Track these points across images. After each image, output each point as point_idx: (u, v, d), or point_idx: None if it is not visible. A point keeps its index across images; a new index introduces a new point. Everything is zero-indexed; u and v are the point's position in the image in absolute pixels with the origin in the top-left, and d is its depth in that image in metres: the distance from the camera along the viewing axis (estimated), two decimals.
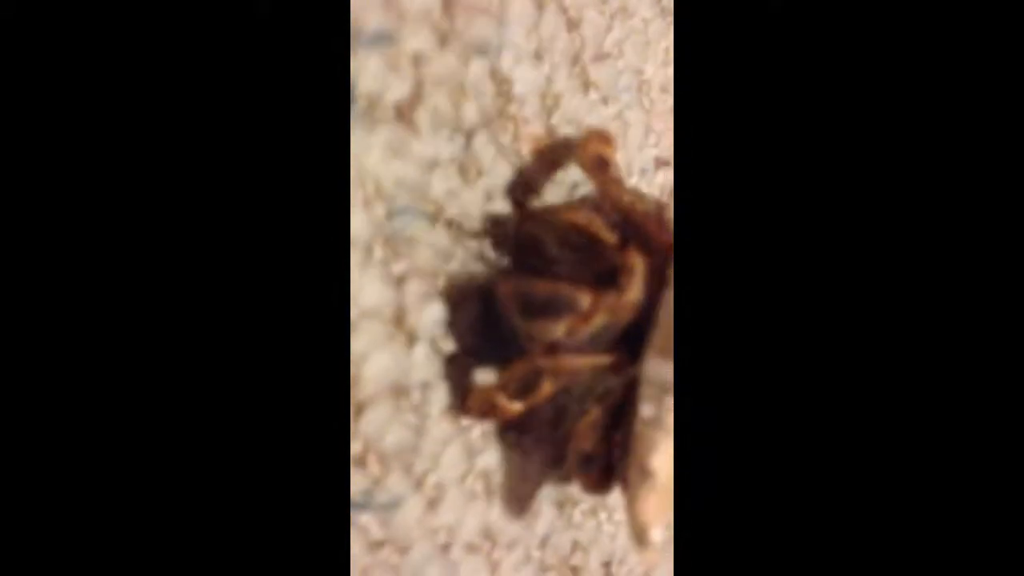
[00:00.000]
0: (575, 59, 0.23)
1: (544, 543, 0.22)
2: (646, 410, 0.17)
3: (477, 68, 0.21)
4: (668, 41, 0.27)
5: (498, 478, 0.21)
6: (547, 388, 0.17)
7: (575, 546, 0.23)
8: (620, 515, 0.23)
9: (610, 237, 0.18)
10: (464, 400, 0.19)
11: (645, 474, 0.17)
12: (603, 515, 0.24)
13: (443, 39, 0.20)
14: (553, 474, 0.21)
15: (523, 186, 0.21)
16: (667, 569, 0.24)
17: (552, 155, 0.22)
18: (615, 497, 0.22)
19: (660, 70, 0.26)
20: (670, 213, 0.18)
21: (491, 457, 0.21)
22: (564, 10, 0.23)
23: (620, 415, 0.18)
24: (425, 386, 0.19)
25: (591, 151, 0.19)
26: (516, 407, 0.18)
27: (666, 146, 0.27)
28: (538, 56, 0.22)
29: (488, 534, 0.21)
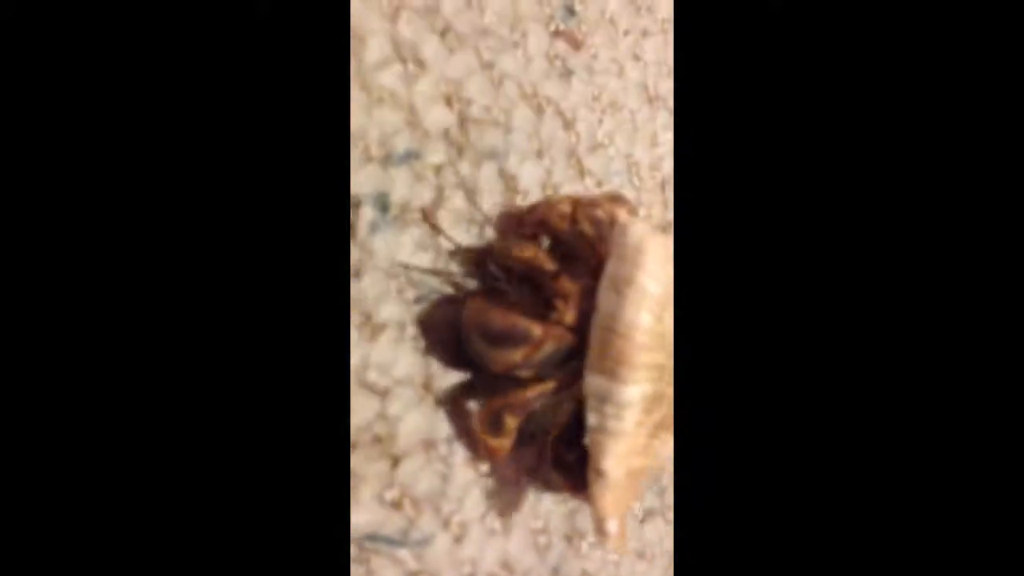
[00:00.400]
0: (571, 152, 0.27)
1: (556, 572, 0.26)
2: (592, 420, 0.20)
3: (488, 170, 0.25)
4: (655, 126, 0.30)
5: (513, 517, 0.24)
6: (511, 422, 0.20)
7: (583, 574, 0.26)
8: None
9: (549, 266, 0.20)
10: (476, 450, 0.23)
11: (598, 474, 0.20)
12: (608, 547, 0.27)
13: (460, 151, 0.24)
14: (534, 482, 0.23)
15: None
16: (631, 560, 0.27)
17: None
18: None
19: (648, 151, 0.30)
20: (605, 242, 0.20)
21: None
22: (560, 113, 0.27)
23: (576, 428, 0.20)
24: (450, 440, 0.23)
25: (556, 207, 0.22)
26: (505, 444, 0.21)
27: (658, 215, 0.31)
28: (539, 154, 0.26)
29: (506, 564, 0.24)
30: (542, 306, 0.21)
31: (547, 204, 0.22)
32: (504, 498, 0.23)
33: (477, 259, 0.23)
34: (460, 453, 0.23)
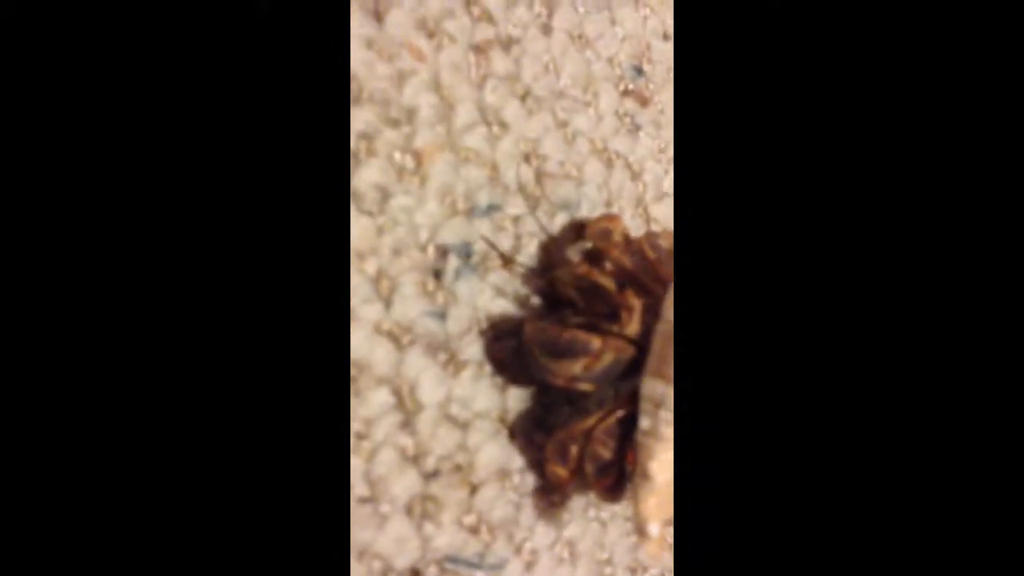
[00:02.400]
0: (639, 202, 0.29)
1: None
2: (644, 423, 0.21)
3: (560, 219, 0.27)
4: None
5: (581, 547, 0.26)
6: (574, 451, 0.22)
7: None
8: None
9: (610, 284, 0.22)
10: (548, 485, 0.24)
11: (645, 478, 0.21)
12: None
13: (535, 204, 0.26)
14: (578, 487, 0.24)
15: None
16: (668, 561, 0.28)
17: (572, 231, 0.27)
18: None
19: None
20: (667, 264, 0.22)
21: (575, 529, 0.26)
22: (628, 165, 0.29)
23: (628, 432, 0.21)
24: (522, 471, 0.25)
25: (599, 225, 0.24)
26: (566, 473, 0.22)
27: None
28: (608, 204, 0.28)
29: None
30: (604, 321, 0.22)
31: (593, 225, 0.24)
32: (546, 506, 0.25)
33: (544, 277, 0.25)
34: (531, 482, 0.25)
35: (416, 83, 0.24)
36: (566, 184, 0.27)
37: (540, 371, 0.22)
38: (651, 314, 0.21)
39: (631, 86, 0.29)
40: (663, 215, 0.30)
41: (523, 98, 0.26)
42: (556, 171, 0.26)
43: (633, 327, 0.21)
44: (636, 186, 0.29)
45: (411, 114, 0.23)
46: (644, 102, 0.29)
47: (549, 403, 0.25)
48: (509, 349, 0.24)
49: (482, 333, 0.24)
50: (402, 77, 0.23)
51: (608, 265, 0.23)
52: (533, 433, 0.24)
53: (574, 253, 0.26)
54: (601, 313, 0.23)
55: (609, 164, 0.28)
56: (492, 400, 0.24)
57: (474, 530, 0.23)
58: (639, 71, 0.29)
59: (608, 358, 0.21)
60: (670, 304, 0.21)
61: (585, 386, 0.22)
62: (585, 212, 0.27)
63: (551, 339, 0.22)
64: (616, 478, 0.22)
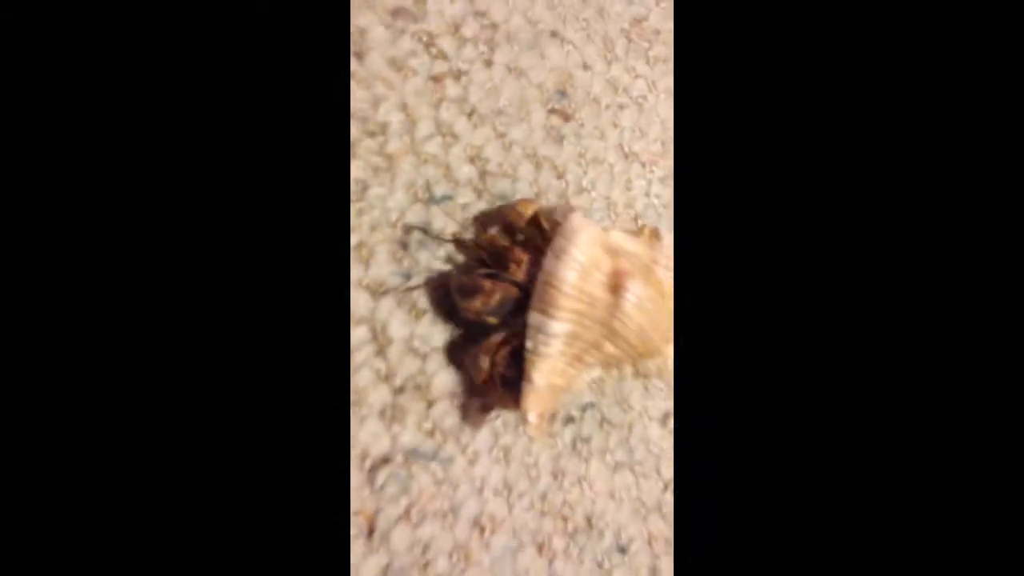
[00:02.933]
0: (562, 195, 0.37)
1: (543, 497, 0.35)
2: (528, 344, 0.27)
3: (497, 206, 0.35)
4: (628, 175, 0.40)
5: (513, 452, 0.34)
6: (485, 362, 0.29)
7: (564, 502, 0.36)
8: None
9: (506, 244, 0.29)
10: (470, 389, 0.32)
11: (528, 381, 0.27)
12: None
13: (479, 194, 0.34)
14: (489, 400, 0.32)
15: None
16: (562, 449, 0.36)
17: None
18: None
19: (623, 194, 0.40)
20: (555, 231, 0.28)
21: (508, 439, 0.34)
22: (554, 167, 0.37)
23: (518, 354, 0.28)
24: (466, 392, 0.33)
25: (514, 207, 0.31)
26: (481, 378, 0.29)
27: None
28: (537, 196, 0.36)
29: (506, 484, 0.34)
30: (501, 271, 0.29)
31: (511, 207, 0.31)
32: (474, 408, 0.33)
33: (465, 244, 0.32)
34: (475, 402, 0.33)
35: (388, 105, 0.32)
36: (503, 180, 0.35)
37: (458, 309, 0.31)
38: (535, 266, 0.29)
39: (556, 106, 0.38)
40: (583, 205, 0.38)
41: (470, 115, 0.35)
42: (495, 171, 0.35)
43: (520, 275, 0.29)
44: (560, 183, 0.37)
45: (384, 127, 0.32)
46: (567, 118, 0.38)
47: (469, 334, 0.33)
48: (442, 294, 0.32)
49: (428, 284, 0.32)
50: (377, 100, 0.32)
51: (518, 236, 0.31)
52: (459, 355, 0.33)
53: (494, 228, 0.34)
54: (500, 266, 0.30)
55: (538, 166, 0.37)
56: (444, 337, 0.32)
57: (430, 433, 0.32)
58: (563, 94, 0.38)
59: (498, 296, 0.29)
60: (549, 256, 0.28)
61: (490, 319, 0.30)
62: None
63: (461, 284, 0.29)
64: (514, 394, 0.30)
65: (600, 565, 0.36)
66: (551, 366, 0.28)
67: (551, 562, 0.35)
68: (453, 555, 0.31)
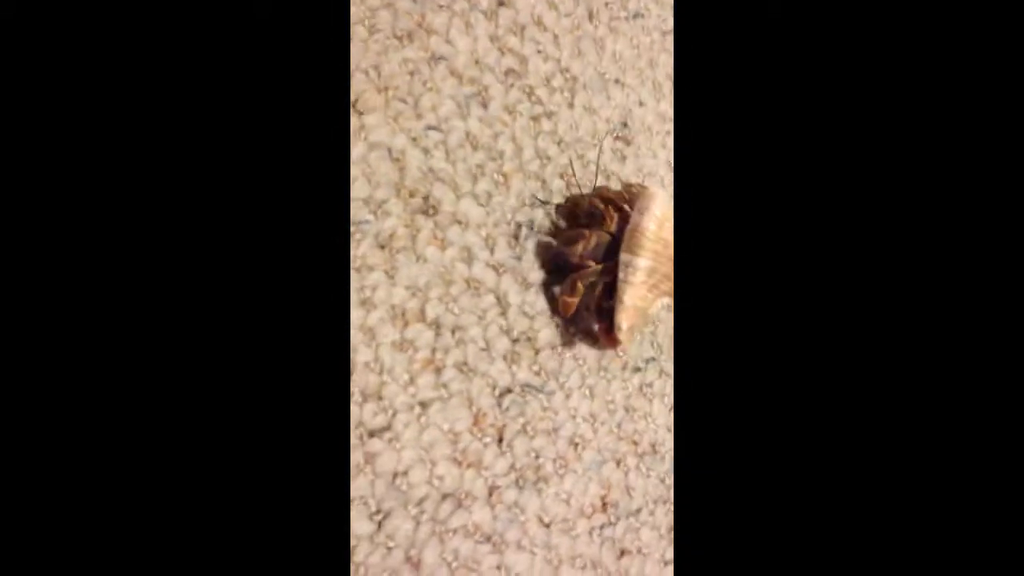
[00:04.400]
0: None
1: (620, 425, 0.46)
2: (620, 275, 0.39)
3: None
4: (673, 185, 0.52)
5: (596, 390, 0.45)
6: (580, 286, 0.41)
7: (635, 431, 0.47)
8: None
9: (600, 205, 0.41)
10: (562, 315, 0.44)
11: (620, 302, 0.39)
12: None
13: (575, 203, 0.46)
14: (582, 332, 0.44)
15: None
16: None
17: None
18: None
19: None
20: (634, 198, 0.40)
21: (592, 380, 0.45)
22: (619, 179, 0.49)
23: (608, 290, 0.40)
24: (564, 344, 0.45)
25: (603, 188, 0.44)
26: (576, 300, 0.42)
27: None
28: None
29: (592, 415, 0.45)
30: (596, 225, 0.41)
31: (603, 187, 0.44)
32: (571, 333, 0.45)
33: (568, 207, 0.45)
34: (568, 353, 0.45)
35: (503, 137, 0.45)
36: (584, 190, 0.47)
37: (563, 256, 0.42)
38: (624, 220, 0.41)
39: (619, 134, 0.50)
40: None
41: (559, 143, 0.47)
42: (577, 182, 0.47)
43: (612, 227, 0.41)
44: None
45: (501, 153, 0.44)
46: (628, 142, 0.50)
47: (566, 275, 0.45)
48: (550, 254, 0.44)
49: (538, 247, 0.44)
50: (496, 134, 0.44)
51: (604, 202, 0.43)
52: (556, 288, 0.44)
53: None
54: (596, 223, 0.43)
55: (608, 179, 0.49)
56: (545, 305, 0.44)
57: (537, 373, 0.44)
58: (624, 124, 0.50)
59: (594, 240, 0.41)
60: (635, 213, 0.41)
61: (588, 261, 0.42)
62: None
63: (567, 236, 0.42)
64: (609, 324, 0.42)
65: (663, 481, 0.47)
66: (636, 291, 0.40)
67: (626, 474, 0.46)
68: (556, 462, 0.43)
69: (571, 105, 0.48)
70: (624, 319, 0.40)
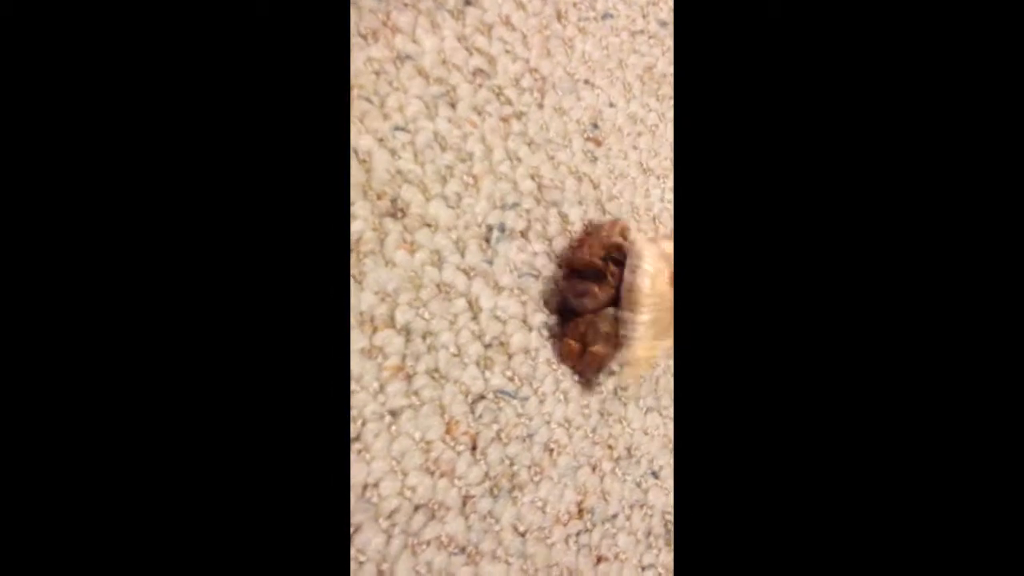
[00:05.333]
0: (598, 202, 0.49)
1: (594, 430, 0.46)
2: (623, 332, 0.40)
3: (553, 212, 0.46)
4: (647, 186, 0.52)
5: (571, 394, 0.45)
6: (583, 328, 0.42)
7: (610, 436, 0.46)
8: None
9: (599, 263, 0.42)
10: (561, 353, 0.44)
11: (630, 353, 0.40)
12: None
13: (537, 201, 0.46)
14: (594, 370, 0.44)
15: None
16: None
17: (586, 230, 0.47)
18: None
19: (643, 200, 0.52)
20: (628, 250, 0.42)
21: (566, 385, 0.45)
22: (591, 181, 0.49)
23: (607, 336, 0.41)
24: (536, 349, 0.44)
25: (606, 234, 0.44)
26: (577, 346, 0.42)
27: (651, 233, 0.52)
28: (580, 203, 0.48)
29: (567, 420, 0.44)
30: (600, 280, 0.42)
31: (598, 233, 0.45)
32: (582, 381, 0.44)
33: (572, 262, 0.45)
34: (542, 357, 0.44)
35: (472, 139, 0.44)
36: (555, 191, 0.47)
37: (571, 305, 0.43)
38: (621, 277, 0.41)
39: (590, 135, 0.49)
40: (614, 210, 0.50)
41: (529, 144, 0.46)
42: (548, 184, 0.46)
43: (613, 282, 0.42)
44: (596, 192, 0.49)
45: (470, 155, 0.44)
46: (598, 144, 0.50)
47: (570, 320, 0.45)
48: (556, 301, 0.44)
49: (516, 272, 0.44)
50: (465, 135, 0.43)
51: (603, 258, 0.43)
52: (560, 331, 0.44)
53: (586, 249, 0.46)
54: (599, 279, 0.43)
55: (579, 180, 0.48)
56: (518, 309, 0.44)
57: (511, 379, 0.43)
58: (595, 125, 0.50)
59: (603, 297, 0.41)
60: (627, 272, 0.41)
61: (588, 309, 0.42)
62: (566, 207, 0.47)
63: (576, 289, 0.42)
64: (599, 365, 0.42)
65: (639, 485, 0.46)
66: (641, 344, 0.41)
67: (602, 479, 0.45)
68: (531, 469, 0.42)
69: (541, 106, 0.47)
70: (633, 372, 0.42)
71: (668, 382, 0.49)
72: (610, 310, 0.42)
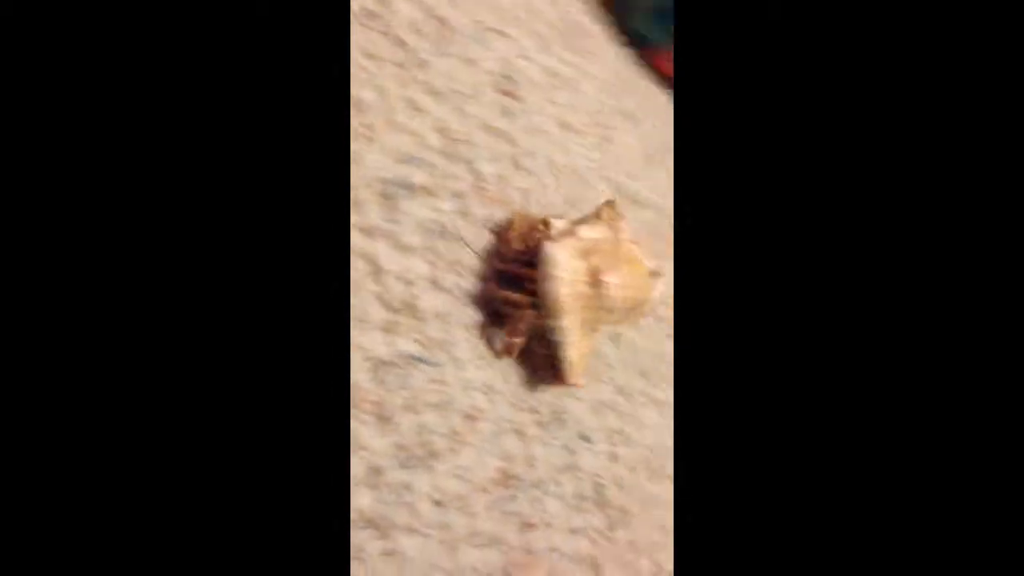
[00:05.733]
0: (513, 158, 0.46)
1: (518, 396, 0.43)
2: (552, 339, 0.39)
3: (462, 167, 0.44)
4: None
5: (494, 366, 0.42)
6: (522, 332, 0.40)
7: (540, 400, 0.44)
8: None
9: (514, 297, 0.40)
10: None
11: (565, 361, 0.39)
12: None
13: (446, 155, 0.43)
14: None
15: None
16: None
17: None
18: None
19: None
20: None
21: (485, 350, 0.42)
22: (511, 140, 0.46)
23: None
24: (449, 313, 0.41)
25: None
26: (517, 342, 0.40)
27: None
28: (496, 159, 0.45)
29: (489, 387, 0.42)
30: (518, 288, 0.40)
31: (506, 233, 0.42)
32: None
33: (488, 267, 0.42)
34: (456, 321, 0.41)
35: (368, 88, 0.41)
36: (464, 145, 0.44)
37: (499, 310, 0.41)
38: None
39: (504, 88, 0.47)
40: (530, 164, 0.47)
41: (434, 95, 0.44)
42: (458, 138, 0.44)
43: (531, 287, 0.40)
44: (511, 148, 0.47)
45: (366, 105, 0.41)
46: (513, 97, 0.47)
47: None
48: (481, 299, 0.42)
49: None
50: (359, 84, 0.41)
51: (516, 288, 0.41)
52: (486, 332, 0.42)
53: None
54: (517, 286, 0.40)
55: (491, 135, 0.46)
56: (426, 270, 0.41)
57: (423, 344, 0.40)
58: (508, 78, 0.47)
59: (526, 302, 0.40)
60: (540, 282, 0.39)
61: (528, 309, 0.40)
62: (478, 164, 0.45)
63: (500, 295, 0.41)
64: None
65: (567, 448, 0.44)
66: (574, 347, 0.40)
67: (528, 445, 0.43)
68: (449, 437, 0.40)
69: (445, 54, 0.45)
70: (575, 376, 0.40)
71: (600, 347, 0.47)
72: (533, 314, 0.40)
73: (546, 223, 0.41)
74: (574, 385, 0.41)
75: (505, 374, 0.43)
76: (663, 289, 0.43)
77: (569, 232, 0.41)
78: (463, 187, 0.43)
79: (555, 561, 0.42)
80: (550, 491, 0.43)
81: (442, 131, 0.43)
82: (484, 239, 0.43)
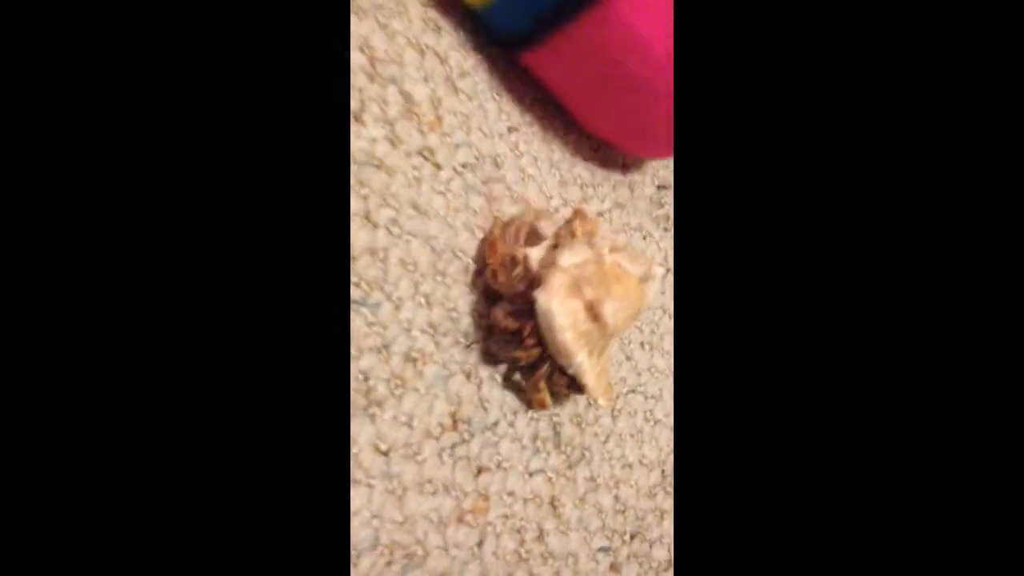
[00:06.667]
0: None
1: (467, 335, 0.41)
2: (569, 371, 0.39)
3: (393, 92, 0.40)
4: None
5: (433, 297, 0.40)
6: (542, 384, 0.40)
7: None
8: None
9: (514, 325, 0.39)
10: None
11: (587, 387, 0.39)
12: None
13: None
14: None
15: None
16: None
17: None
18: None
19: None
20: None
21: (427, 286, 0.40)
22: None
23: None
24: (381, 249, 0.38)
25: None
26: (544, 397, 0.40)
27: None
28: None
29: (432, 325, 0.39)
30: (520, 344, 0.39)
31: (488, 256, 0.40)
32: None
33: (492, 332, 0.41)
34: (393, 258, 0.38)
35: None
36: (392, 65, 0.40)
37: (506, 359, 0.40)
38: (537, 327, 0.39)
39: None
40: (468, 87, 0.43)
41: (354, 12, 0.39)
42: (384, 57, 0.40)
43: (535, 340, 0.39)
44: (444, 68, 0.43)
45: None
46: (444, 11, 0.43)
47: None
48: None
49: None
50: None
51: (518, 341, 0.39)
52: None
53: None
54: (517, 341, 0.39)
55: (422, 53, 0.42)
56: (358, 205, 0.38)
57: (357, 284, 0.37)
58: None
59: (533, 354, 0.40)
60: (546, 331, 0.38)
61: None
62: (408, 86, 0.41)
63: (503, 350, 0.40)
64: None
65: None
66: (591, 372, 0.39)
67: (479, 387, 0.41)
68: (391, 382, 0.37)
69: None
70: (602, 398, 0.40)
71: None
72: (546, 367, 0.40)
73: (525, 257, 0.39)
74: (604, 405, 0.42)
75: (452, 313, 0.40)
76: (656, 287, 0.43)
77: (551, 263, 0.39)
78: (393, 112, 0.39)
79: (511, 503, 0.41)
80: (505, 433, 0.41)
81: (366, 49, 0.39)
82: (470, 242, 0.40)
